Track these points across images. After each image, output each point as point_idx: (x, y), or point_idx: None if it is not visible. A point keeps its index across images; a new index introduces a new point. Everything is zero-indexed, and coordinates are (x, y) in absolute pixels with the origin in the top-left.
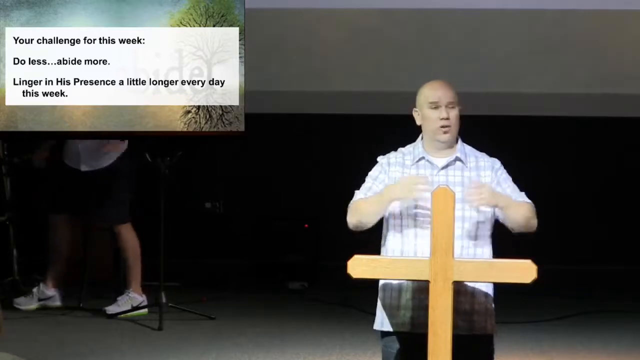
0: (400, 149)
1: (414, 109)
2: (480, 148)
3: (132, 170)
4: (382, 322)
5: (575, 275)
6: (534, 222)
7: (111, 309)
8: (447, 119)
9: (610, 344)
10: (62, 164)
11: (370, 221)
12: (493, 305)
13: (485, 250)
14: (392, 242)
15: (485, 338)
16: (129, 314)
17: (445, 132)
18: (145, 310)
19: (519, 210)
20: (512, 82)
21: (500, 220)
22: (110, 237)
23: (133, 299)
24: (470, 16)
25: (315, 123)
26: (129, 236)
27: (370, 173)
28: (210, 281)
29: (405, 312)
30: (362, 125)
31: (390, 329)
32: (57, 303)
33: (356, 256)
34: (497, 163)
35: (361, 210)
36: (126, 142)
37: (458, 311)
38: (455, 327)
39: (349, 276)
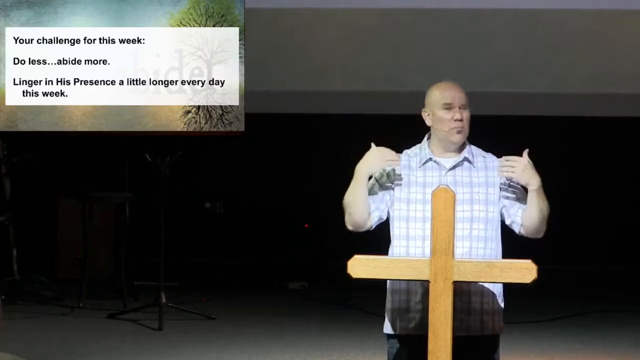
0: (405, 151)
1: (423, 109)
2: (479, 148)
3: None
4: (391, 325)
5: (575, 275)
6: (544, 227)
7: None
8: (461, 120)
9: (610, 344)
10: None
11: (357, 211)
12: (502, 304)
13: (495, 250)
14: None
15: (493, 338)
16: None
17: (458, 133)
18: None
19: (540, 203)
20: (512, 82)
21: (507, 221)
22: None
23: None
24: (471, 16)
25: (315, 123)
26: None
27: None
28: (210, 281)
29: (414, 314)
30: (362, 125)
31: (399, 332)
32: None
33: (356, 256)
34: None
35: (345, 202)
36: None
37: (469, 311)
38: (465, 328)
39: (349, 276)
